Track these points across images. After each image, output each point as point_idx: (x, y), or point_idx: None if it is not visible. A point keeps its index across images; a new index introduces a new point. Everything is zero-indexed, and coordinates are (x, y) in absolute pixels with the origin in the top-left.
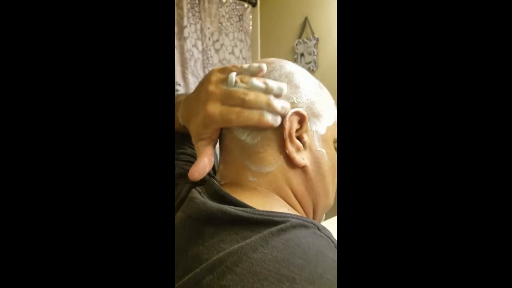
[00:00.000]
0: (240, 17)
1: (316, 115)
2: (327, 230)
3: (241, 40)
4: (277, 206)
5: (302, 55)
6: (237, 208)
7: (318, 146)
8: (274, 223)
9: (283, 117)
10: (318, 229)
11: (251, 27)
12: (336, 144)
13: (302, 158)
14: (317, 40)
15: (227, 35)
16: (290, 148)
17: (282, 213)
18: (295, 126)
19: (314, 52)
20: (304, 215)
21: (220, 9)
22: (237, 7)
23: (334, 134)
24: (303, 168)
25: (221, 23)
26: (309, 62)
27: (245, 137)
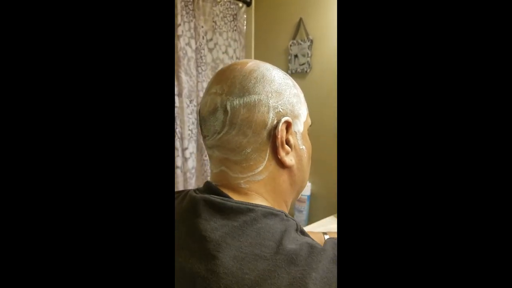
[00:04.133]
0: (235, 16)
1: (297, 116)
2: (291, 216)
3: (235, 40)
4: (257, 202)
5: (296, 56)
6: (218, 197)
7: (300, 144)
8: (247, 210)
9: (275, 127)
10: (285, 215)
11: (245, 27)
12: (308, 130)
13: (291, 159)
14: (311, 41)
15: (221, 34)
16: (282, 154)
17: (254, 203)
18: (285, 133)
19: (308, 54)
20: (285, 206)
21: (214, 8)
22: (232, 6)
23: (307, 123)
24: (290, 167)
25: (215, 22)
26: (303, 64)
27: (235, 150)
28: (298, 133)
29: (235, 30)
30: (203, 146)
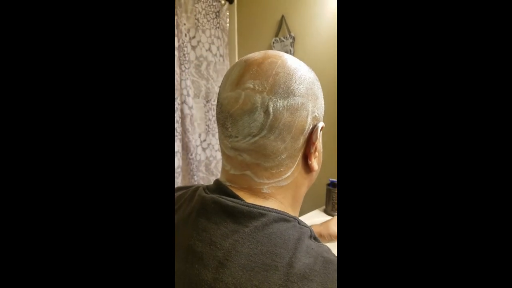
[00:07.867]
0: (217, 13)
1: (322, 119)
2: (305, 223)
3: (218, 37)
4: (271, 205)
5: None
6: (228, 198)
7: (321, 148)
8: (259, 215)
9: (310, 133)
10: (298, 222)
11: (228, 24)
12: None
13: (317, 164)
14: (294, 38)
15: (203, 31)
16: (313, 159)
17: (266, 207)
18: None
19: (290, 51)
20: (298, 209)
21: (197, 5)
22: (214, 4)
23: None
24: (313, 172)
25: (197, 19)
26: None
27: (270, 156)
28: (320, 135)
29: (218, 27)
30: (189, 145)
